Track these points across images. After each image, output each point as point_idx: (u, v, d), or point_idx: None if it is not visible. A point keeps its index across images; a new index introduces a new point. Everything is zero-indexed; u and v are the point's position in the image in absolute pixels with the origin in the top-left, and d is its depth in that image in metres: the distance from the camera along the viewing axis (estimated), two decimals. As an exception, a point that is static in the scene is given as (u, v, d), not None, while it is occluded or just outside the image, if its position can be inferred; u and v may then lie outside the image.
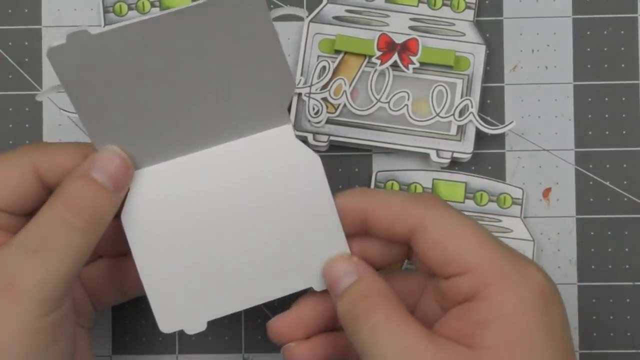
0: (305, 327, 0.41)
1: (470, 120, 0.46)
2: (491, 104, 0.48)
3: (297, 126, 0.46)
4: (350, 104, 0.46)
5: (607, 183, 0.48)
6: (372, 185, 0.47)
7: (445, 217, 0.38)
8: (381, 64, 0.46)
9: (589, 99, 0.48)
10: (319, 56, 0.47)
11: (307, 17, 0.47)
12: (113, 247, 0.42)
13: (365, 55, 0.46)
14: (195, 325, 0.40)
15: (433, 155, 0.46)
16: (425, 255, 0.38)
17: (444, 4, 0.47)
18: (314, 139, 0.46)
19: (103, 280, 0.43)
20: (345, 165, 0.48)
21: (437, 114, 0.46)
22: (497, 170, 0.48)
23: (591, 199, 0.48)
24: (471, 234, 0.37)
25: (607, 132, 0.48)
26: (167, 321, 0.39)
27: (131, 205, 0.38)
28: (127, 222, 0.38)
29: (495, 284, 0.36)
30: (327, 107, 0.46)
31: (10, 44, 0.48)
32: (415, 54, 0.46)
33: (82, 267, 0.37)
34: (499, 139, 0.48)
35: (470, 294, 0.37)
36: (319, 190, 0.39)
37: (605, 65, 0.48)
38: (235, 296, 0.40)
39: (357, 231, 0.40)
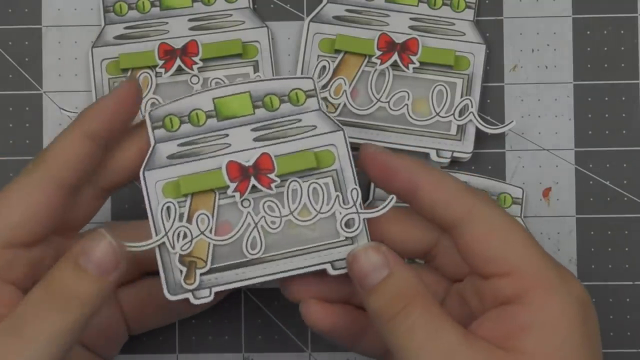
0: (323, 288, 0.40)
1: (470, 120, 0.46)
2: (491, 104, 0.48)
3: (297, 126, 0.47)
4: (350, 104, 0.46)
5: (607, 183, 0.48)
6: (372, 185, 0.47)
7: (494, 214, 0.38)
8: (381, 63, 0.46)
9: (589, 99, 0.48)
10: (319, 56, 0.47)
11: (308, 16, 0.47)
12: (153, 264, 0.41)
13: (365, 55, 0.46)
14: (201, 295, 0.39)
15: (433, 155, 0.46)
16: (468, 249, 0.37)
17: (444, 4, 0.47)
18: (314, 139, 0.46)
19: (144, 300, 0.43)
20: (345, 165, 0.48)
21: (437, 114, 0.46)
22: (497, 170, 0.48)
23: (591, 199, 0.48)
24: (518, 235, 0.37)
25: (607, 132, 0.48)
26: (172, 288, 0.39)
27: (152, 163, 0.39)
28: (146, 177, 0.39)
29: (539, 289, 0.36)
30: (327, 106, 0.46)
31: (10, 43, 0.48)
32: (415, 54, 0.46)
33: (73, 344, 0.36)
34: (499, 139, 0.48)
35: (511, 296, 0.36)
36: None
37: (605, 65, 0.48)
38: (247, 270, 0.39)
39: (401, 196, 0.39)
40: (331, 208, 0.39)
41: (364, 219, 0.39)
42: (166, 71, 0.46)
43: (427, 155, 0.47)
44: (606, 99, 0.48)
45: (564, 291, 0.36)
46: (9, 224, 0.37)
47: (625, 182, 0.48)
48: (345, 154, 0.40)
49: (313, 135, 0.40)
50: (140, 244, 0.38)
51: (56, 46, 0.48)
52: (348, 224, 0.39)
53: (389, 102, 0.46)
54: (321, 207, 0.39)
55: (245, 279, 0.39)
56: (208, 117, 0.40)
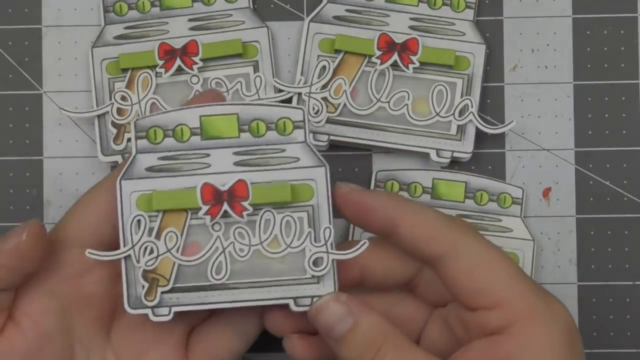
0: (305, 321, 0.40)
1: (470, 120, 0.46)
2: (491, 104, 0.48)
3: (297, 126, 0.46)
4: (350, 104, 0.46)
5: (607, 183, 0.48)
6: (372, 185, 0.47)
7: (478, 246, 0.38)
8: (381, 63, 0.46)
9: (589, 99, 0.48)
10: (319, 56, 0.47)
11: (308, 16, 0.47)
12: None
13: (365, 55, 0.46)
14: (161, 313, 0.39)
15: (433, 155, 0.46)
16: (454, 282, 0.38)
17: (444, 4, 0.47)
18: (314, 139, 0.46)
19: (220, 335, 0.42)
20: (345, 165, 0.48)
21: (437, 114, 0.46)
22: (497, 170, 0.48)
23: (591, 199, 0.48)
24: (503, 266, 0.37)
25: (607, 132, 0.48)
26: (134, 302, 0.39)
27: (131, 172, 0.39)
28: (122, 187, 0.39)
29: (526, 320, 0.36)
30: (327, 106, 0.46)
31: (10, 43, 0.48)
32: (415, 54, 0.46)
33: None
34: (499, 139, 0.48)
35: (498, 328, 0.36)
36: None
37: (605, 65, 0.48)
38: (209, 294, 0.39)
39: (380, 233, 0.39)
40: (302, 244, 0.39)
41: (333, 260, 0.39)
42: (166, 71, 0.46)
43: (427, 155, 0.47)
44: (606, 99, 0.48)
45: (550, 319, 0.36)
46: None
47: (625, 182, 0.48)
48: (324, 191, 0.39)
49: (294, 168, 0.39)
50: (106, 253, 0.38)
51: (56, 46, 0.48)
52: (316, 263, 0.39)
53: (389, 102, 0.46)
54: (292, 241, 0.39)
55: (206, 303, 0.39)
56: (193, 134, 0.40)
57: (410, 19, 0.47)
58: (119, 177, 0.39)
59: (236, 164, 0.39)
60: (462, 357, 0.37)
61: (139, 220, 0.39)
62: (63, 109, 0.47)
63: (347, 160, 0.48)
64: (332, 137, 0.46)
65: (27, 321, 0.39)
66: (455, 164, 0.47)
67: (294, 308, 0.39)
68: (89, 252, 0.38)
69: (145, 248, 0.39)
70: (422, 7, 0.47)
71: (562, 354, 0.36)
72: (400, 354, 0.36)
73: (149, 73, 0.46)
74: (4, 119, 0.48)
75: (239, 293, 0.39)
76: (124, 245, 0.39)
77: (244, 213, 0.39)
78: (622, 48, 0.48)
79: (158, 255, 0.39)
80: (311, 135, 0.46)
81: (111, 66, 0.47)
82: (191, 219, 0.39)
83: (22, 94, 0.48)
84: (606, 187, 0.48)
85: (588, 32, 0.48)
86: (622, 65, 0.48)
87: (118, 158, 0.46)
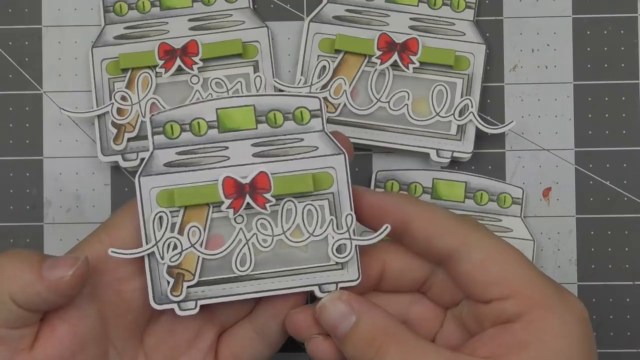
0: None
1: (470, 120, 0.46)
2: (491, 104, 0.48)
3: (297, 126, 0.46)
4: (350, 104, 0.46)
5: (607, 183, 0.48)
6: (372, 185, 0.47)
7: (489, 240, 0.38)
8: (381, 63, 0.46)
9: (589, 99, 0.48)
10: (319, 56, 0.47)
11: (308, 16, 0.47)
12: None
13: (365, 55, 0.46)
14: (187, 307, 0.39)
15: (433, 155, 0.46)
16: (467, 276, 0.38)
17: (444, 4, 0.47)
18: (314, 139, 0.46)
19: (248, 340, 0.41)
20: (345, 165, 0.48)
21: (437, 114, 0.46)
22: (497, 170, 0.48)
23: (591, 199, 0.48)
24: (515, 258, 0.38)
25: (607, 132, 0.48)
26: (159, 297, 0.39)
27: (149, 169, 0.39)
28: (142, 183, 0.39)
29: (541, 308, 0.36)
30: (327, 106, 0.46)
31: (10, 43, 0.48)
32: (415, 54, 0.46)
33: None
34: (499, 139, 0.48)
35: (512, 316, 0.37)
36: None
37: (605, 65, 0.48)
38: (234, 285, 0.39)
39: (393, 233, 0.39)
40: (324, 231, 0.39)
41: (356, 246, 0.39)
42: (166, 71, 0.46)
43: (427, 155, 0.47)
44: (606, 99, 0.48)
45: (563, 309, 0.37)
46: None
47: (625, 182, 0.48)
48: (344, 178, 0.39)
49: (313, 157, 0.39)
50: (129, 251, 0.38)
51: (56, 46, 0.48)
52: (340, 250, 0.39)
53: (389, 102, 0.46)
54: (314, 229, 0.39)
55: (233, 294, 0.39)
56: (210, 127, 0.39)
57: (410, 19, 0.47)
58: (138, 174, 0.39)
59: (255, 155, 0.39)
60: (475, 345, 0.37)
61: (160, 217, 0.39)
62: (63, 109, 0.47)
63: (347, 160, 0.48)
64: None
65: (64, 327, 0.38)
66: (455, 164, 0.47)
67: (319, 294, 0.39)
68: (112, 251, 0.38)
69: (169, 244, 0.39)
70: (422, 7, 0.47)
71: (575, 342, 0.36)
72: (402, 349, 0.36)
73: (149, 73, 0.46)
74: (4, 119, 0.48)
75: (264, 283, 0.39)
76: (147, 242, 0.39)
77: (267, 205, 0.39)
78: (622, 48, 0.48)
79: (182, 251, 0.39)
80: None
81: (111, 66, 0.47)
82: (213, 212, 0.39)
83: (22, 94, 0.48)
84: (606, 187, 0.48)
85: (588, 32, 0.48)
86: (622, 65, 0.48)
87: (118, 158, 0.46)
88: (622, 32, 0.48)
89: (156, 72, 0.46)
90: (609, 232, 0.47)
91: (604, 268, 0.47)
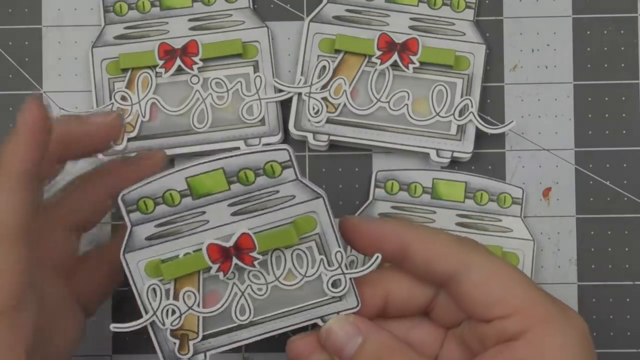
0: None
1: (470, 120, 0.46)
2: (491, 104, 0.48)
3: (297, 126, 0.46)
4: (350, 104, 0.46)
5: (607, 183, 0.48)
6: (372, 185, 0.47)
7: (489, 260, 0.38)
8: (381, 63, 0.46)
9: (589, 99, 0.48)
10: (319, 56, 0.47)
11: (308, 16, 0.47)
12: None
13: (365, 55, 0.46)
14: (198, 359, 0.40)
15: (433, 155, 0.46)
16: (468, 296, 0.38)
17: (444, 4, 0.47)
18: (314, 139, 0.46)
19: (93, 273, 0.43)
20: (345, 165, 0.48)
21: (437, 114, 0.46)
22: (497, 170, 0.48)
23: (591, 199, 0.48)
24: (515, 276, 0.38)
25: (607, 132, 0.48)
26: (169, 356, 0.40)
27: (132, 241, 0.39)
28: (127, 260, 0.39)
29: (542, 325, 0.37)
30: (327, 106, 0.46)
31: (10, 43, 0.48)
32: (415, 54, 0.46)
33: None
34: (499, 139, 0.48)
35: (514, 334, 0.37)
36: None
37: (605, 65, 0.48)
38: (238, 332, 0.40)
39: (392, 260, 0.39)
40: (317, 271, 0.39)
41: (350, 278, 0.39)
42: (166, 71, 0.46)
43: (427, 155, 0.47)
44: (606, 99, 0.48)
45: (564, 325, 0.37)
46: None
47: (625, 182, 0.48)
48: (326, 219, 0.39)
49: (292, 205, 0.39)
50: (131, 324, 0.39)
51: (56, 46, 0.48)
52: (335, 284, 0.39)
53: (389, 102, 0.46)
54: (306, 270, 0.39)
55: (239, 340, 0.40)
56: (183, 196, 0.39)
57: (410, 19, 0.47)
58: (121, 252, 0.39)
59: (234, 214, 0.39)
60: None
61: (154, 289, 0.39)
62: (63, 109, 0.47)
63: (347, 160, 0.48)
64: (332, 137, 0.46)
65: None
66: (455, 164, 0.47)
67: (321, 324, 0.40)
68: (114, 327, 0.39)
69: (167, 311, 0.39)
70: (422, 7, 0.47)
71: (576, 357, 0.36)
72: None
73: (149, 73, 0.46)
74: (4, 118, 0.48)
75: (267, 325, 0.40)
76: (145, 312, 0.39)
77: (255, 262, 0.39)
78: (622, 48, 0.48)
79: (181, 315, 0.39)
80: (311, 135, 0.46)
81: (111, 66, 0.47)
82: (204, 274, 0.39)
83: (22, 94, 0.48)
84: (606, 187, 0.48)
85: (588, 32, 0.48)
86: (622, 65, 0.48)
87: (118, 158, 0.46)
88: (622, 32, 0.48)
89: (156, 72, 0.46)
90: (609, 232, 0.47)
91: (604, 268, 0.47)
